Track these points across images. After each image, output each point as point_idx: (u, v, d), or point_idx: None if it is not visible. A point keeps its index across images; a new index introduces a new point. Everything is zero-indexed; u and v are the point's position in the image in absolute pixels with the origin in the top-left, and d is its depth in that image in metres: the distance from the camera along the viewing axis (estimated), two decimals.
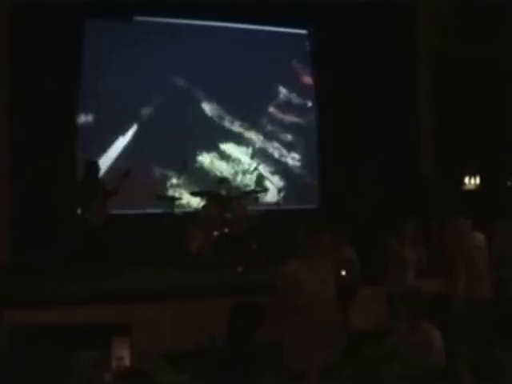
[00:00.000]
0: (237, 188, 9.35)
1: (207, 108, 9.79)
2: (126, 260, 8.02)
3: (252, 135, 10.01)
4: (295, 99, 10.26)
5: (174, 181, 8.94)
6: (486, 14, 9.69)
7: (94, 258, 7.56)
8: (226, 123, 9.89)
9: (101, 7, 8.80)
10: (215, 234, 8.39)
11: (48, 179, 8.49)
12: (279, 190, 9.05)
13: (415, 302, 4.42)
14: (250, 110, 10.01)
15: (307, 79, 10.29)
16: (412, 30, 9.97)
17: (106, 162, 9.07)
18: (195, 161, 9.59)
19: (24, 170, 8.42)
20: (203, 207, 8.70)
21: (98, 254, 7.61)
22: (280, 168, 10.06)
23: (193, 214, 8.79)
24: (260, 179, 9.12)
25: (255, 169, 9.54)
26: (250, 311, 3.84)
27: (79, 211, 8.05)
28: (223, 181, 8.93)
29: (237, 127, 9.93)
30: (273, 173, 9.98)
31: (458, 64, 9.89)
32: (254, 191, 9.15)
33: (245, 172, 9.85)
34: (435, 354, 4.29)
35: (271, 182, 9.65)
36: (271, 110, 10.12)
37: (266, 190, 9.21)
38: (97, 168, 8.13)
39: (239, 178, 9.86)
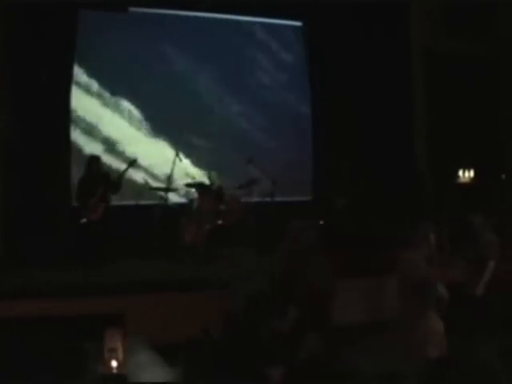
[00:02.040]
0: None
1: (201, 99, 9.80)
2: (119, 252, 8.02)
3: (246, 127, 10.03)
4: (290, 92, 10.26)
5: (168, 172, 8.91)
6: (480, 11, 9.72)
7: (90, 252, 7.57)
8: (220, 114, 9.89)
9: None
10: (208, 226, 8.39)
11: (43, 172, 8.48)
12: (273, 182, 9.04)
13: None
14: (243, 101, 10.00)
15: (302, 74, 10.29)
16: (407, 27, 9.99)
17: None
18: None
19: (18, 163, 8.40)
20: (197, 199, 8.70)
21: (95, 248, 7.62)
22: (274, 159, 10.06)
23: (186, 206, 8.79)
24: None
25: (250, 161, 9.52)
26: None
27: (75, 204, 8.09)
28: (211, 173, 8.94)
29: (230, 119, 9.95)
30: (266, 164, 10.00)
31: (451, 60, 9.93)
32: (247, 183, 9.15)
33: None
34: (436, 344, 4.31)
35: (265, 173, 9.65)
36: (265, 101, 10.13)
37: (256, 182, 9.18)
38: (98, 162, 8.18)
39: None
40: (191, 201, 8.81)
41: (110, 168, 8.83)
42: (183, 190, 9.16)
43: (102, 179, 8.00)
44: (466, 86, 9.91)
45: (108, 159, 9.04)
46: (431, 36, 9.92)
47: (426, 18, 9.92)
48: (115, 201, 8.35)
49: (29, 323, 5.48)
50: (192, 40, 9.66)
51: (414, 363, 4.19)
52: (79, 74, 9.03)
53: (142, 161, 8.99)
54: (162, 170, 9.08)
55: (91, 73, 9.15)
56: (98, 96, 9.24)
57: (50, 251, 7.89)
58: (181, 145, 9.30)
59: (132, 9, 9.25)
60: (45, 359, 3.89)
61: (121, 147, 9.25)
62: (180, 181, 9.12)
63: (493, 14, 9.87)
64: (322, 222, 8.74)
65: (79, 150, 8.98)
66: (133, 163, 8.24)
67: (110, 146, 9.20)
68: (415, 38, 10.00)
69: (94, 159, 8.21)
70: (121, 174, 8.19)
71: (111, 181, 8.11)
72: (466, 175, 9.78)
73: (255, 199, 9.10)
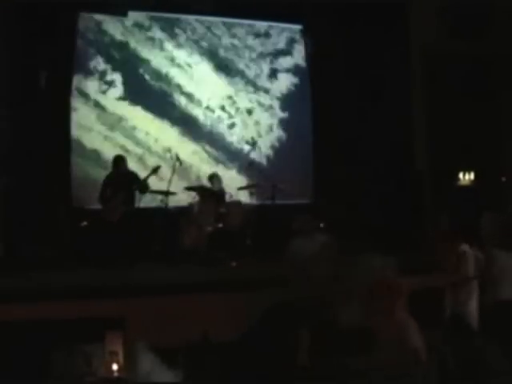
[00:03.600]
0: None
1: (203, 102, 9.80)
2: (119, 254, 8.02)
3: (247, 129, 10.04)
4: (291, 94, 10.28)
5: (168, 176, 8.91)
6: (480, 11, 9.72)
7: (111, 253, 7.57)
8: (222, 118, 9.90)
9: (95, 1, 8.80)
10: (209, 229, 8.39)
11: (43, 173, 8.48)
12: (273, 185, 9.03)
13: None
14: (244, 103, 10.02)
15: (303, 75, 10.30)
16: (406, 28, 9.97)
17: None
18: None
19: (18, 163, 8.40)
20: (197, 202, 8.69)
21: (114, 249, 7.62)
22: (275, 162, 10.07)
23: (187, 209, 8.79)
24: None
25: (250, 164, 9.53)
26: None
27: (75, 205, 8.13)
28: (213, 176, 8.94)
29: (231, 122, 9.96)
30: (268, 166, 10.01)
31: (451, 61, 9.91)
32: (247, 186, 9.15)
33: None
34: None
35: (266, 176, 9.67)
36: (266, 103, 10.14)
37: (256, 185, 9.17)
38: (124, 162, 8.16)
39: None
40: (192, 204, 8.81)
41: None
42: (184, 192, 9.16)
43: (127, 180, 7.97)
44: (465, 88, 9.90)
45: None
46: (430, 37, 9.90)
47: (425, 18, 9.90)
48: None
49: (29, 326, 5.47)
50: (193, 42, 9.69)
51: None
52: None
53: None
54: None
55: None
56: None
57: (50, 253, 7.88)
58: (182, 148, 9.33)
59: (132, 12, 9.28)
60: (46, 362, 3.89)
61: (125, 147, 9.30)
62: (181, 184, 9.13)
63: (492, 15, 9.87)
64: (322, 225, 8.74)
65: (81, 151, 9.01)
66: (156, 170, 8.21)
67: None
68: (414, 38, 9.99)
69: (120, 159, 8.18)
70: (145, 179, 8.15)
71: (139, 181, 8.10)
72: (467, 178, 9.78)
73: (256, 202, 9.10)
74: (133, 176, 8.23)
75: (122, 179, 8.01)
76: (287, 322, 3.91)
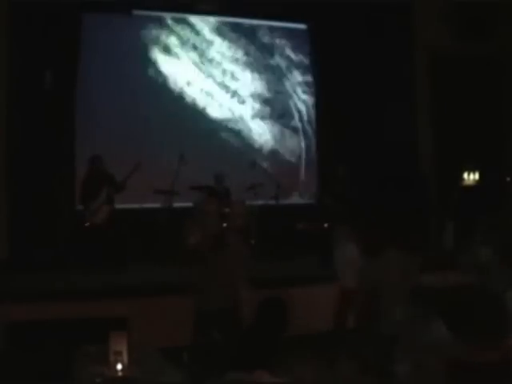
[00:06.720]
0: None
1: (204, 104, 9.80)
2: (123, 255, 8.01)
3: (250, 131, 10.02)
4: (294, 96, 10.27)
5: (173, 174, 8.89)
6: (485, 12, 9.71)
7: (94, 255, 7.55)
8: (224, 117, 9.90)
9: (99, 1, 8.80)
10: (213, 229, 8.35)
11: (47, 174, 8.49)
12: (278, 185, 9.02)
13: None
14: (248, 105, 10.00)
15: (307, 75, 10.29)
16: (411, 27, 9.98)
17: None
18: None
19: (21, 165, 8.40)
20: (202, 202, 8.67)
21: (99, 251, 7.60)
22: (279, 163, 10.05)
23: (191, 209, 8.77)
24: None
25: (254, 165, 9.51)
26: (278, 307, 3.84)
27: (79, 207, 8.10)
28: (219, 176, 8.92)
29: (235, 123, 9.95)
30: (271, 167, 9.99)
31: (456, 61, 9.90)
32: (251, 186, 9.13)
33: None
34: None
35: (269, 175, 9.64)
36: (269, 106, 10.13)
37: (262, 184, 9.15)
38: (101, 162, 8.08)
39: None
40: (196, 204, 8.79)
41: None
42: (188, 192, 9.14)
43: (105, 180, 7.95)
44: (470, 88, 9.88)
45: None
46: (436, 37, 9.90)
47: (431, 19, 9.90)
48: (119, 204, 8.37)
49: (32, 327, 5.47)
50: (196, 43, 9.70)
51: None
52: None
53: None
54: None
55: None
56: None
57: (54, 254, 7.89)
58: (186, 147, 9.32)
59: (136, 12, 9.28)
60: (49, 363, 3.88)
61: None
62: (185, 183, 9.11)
63: (498, 15, 9.85)
64: (326, 225, 8.73)
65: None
66: (137, 167, 8.16)
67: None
68: (420, 39, 9.99)
69: (97, 159, 8.12)
70: (125, 178, 8.12)
71: (115, 181, 8.04)
72: (471, 177, 9.75)
73: (260, 202, 9.09)
74: (110, 177, 8.08)
75: (101, 180, 7.93)
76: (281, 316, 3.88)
